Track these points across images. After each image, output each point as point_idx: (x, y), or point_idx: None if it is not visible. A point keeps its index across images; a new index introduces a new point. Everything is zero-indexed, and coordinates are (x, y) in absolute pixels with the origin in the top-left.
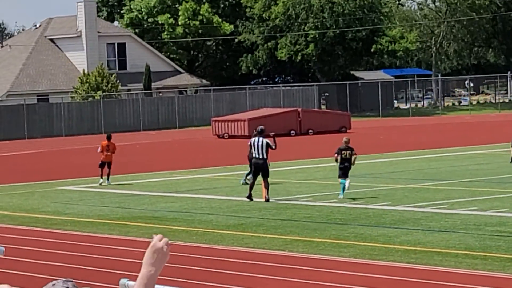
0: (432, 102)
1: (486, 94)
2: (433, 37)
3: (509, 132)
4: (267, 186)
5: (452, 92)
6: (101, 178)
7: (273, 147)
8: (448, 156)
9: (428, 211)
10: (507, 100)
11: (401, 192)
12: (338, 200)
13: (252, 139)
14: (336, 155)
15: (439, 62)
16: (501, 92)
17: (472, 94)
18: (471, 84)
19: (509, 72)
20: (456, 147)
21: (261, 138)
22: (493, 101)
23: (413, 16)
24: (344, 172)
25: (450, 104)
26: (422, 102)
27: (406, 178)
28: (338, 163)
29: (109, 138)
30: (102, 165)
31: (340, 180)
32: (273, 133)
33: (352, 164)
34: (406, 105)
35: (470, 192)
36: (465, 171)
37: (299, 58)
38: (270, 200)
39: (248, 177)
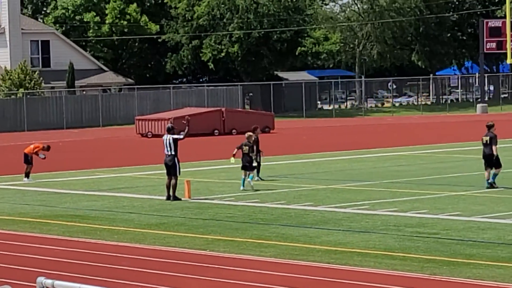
0: (355, 103)
1: (409, 96)
2: (357, 39)
3: (430, 134)
4: (174, 185)
5: (375, 93)
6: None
7: (181, 137)
8: (370, 157)
9: (349, 211)
10: (429, 103)
11: (323, 192)
12: (240, 190)
13: (163, 137)
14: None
15: (362, 64)
16: (424, 94)
17: (395, 96)
18: (394, 86)
19: (431, 75)
20: (378, 148)
21: (169, 135)
22: (416, 103)
23: (337, 17)
24: (244, 166)
25: (373, 105)
26: (345, 103)
27: (328, 179)
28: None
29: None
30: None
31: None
32: (187, 117)
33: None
34: (329, 106)
35: (391, 193)
36: (386, 172)
37: (223, 57)
38: (192, 200)
39: (256, 179)
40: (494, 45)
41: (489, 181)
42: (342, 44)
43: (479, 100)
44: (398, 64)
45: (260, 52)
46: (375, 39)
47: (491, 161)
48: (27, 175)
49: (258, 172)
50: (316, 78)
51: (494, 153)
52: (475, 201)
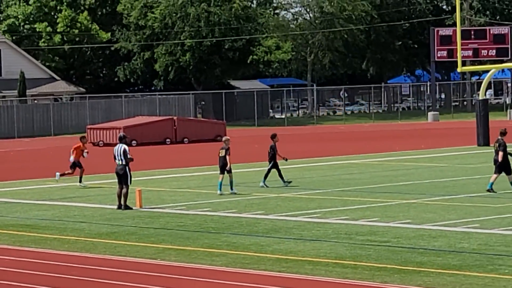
0: (307, 111)
1: (361, 104)
2: (308, 47)
3: (382, 142)
4: (125, 194)
5: (327, 102)
6: None
7: (128, 156)
8: (322, 166)
9: (301, 220)
10: (381, 111)
11: (274, 201)
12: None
13: (115, 147)
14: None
15: (314, 72)
16: (375, 102)
17: (347, 104)
18: (346, 94)
19: (383, 83)
20: (329, 156)
21: (121, 145)
22: (367, 111)
23: (288, 26)
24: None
25: (325, 113)
26: (297, 112)
27: (279, 187)
28: None
29: None
30: None
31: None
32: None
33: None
34: (281, 114)
35: (342, 202)
36: (337, 180)
37: (175, 66)
38: (143, 209)
39: (261, 184)
40: (445, 53)
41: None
42: (294, 53)
43: (431, 108)
44: (350, 72)
45: (212, 60)
46: (326, 47)
47: (502, 166)
48: (80, 180)
49: (265, 177)
50: (268, 87)
51: (499, 159)
52: (426, 209)
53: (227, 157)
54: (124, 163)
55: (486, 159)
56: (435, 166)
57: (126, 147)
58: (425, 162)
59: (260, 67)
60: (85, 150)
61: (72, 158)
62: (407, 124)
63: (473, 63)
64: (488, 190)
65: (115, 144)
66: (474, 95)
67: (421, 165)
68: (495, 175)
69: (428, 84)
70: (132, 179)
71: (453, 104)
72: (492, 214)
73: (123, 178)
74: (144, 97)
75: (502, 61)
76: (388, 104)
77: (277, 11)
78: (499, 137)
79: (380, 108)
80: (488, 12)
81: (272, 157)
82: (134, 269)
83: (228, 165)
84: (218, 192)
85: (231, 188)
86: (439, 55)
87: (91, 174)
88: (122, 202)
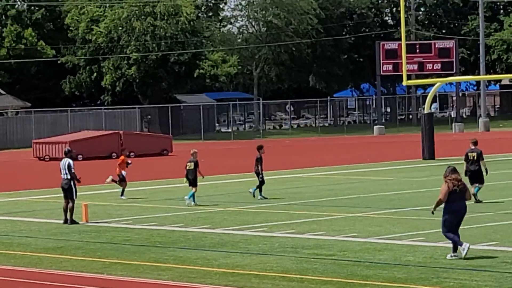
0: (254, 125)
1: (307, 118)
2: (254, 61)
3: (328, 155)
4: (71, 208)
5: (273, 115)
6: None
7: (72, 170)
8: (268, 179)
9: (247, 234)
10: (327, 124)
11: (221, 215)
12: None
13: (61, 161)
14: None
15: (260, 86)
16: (321, 116)
17: (293, 118)
18: (292, 108)
19: (328, 97)
20: (275, 170)
21: (66, 159)
22: (314, 125)
23: (235, 39)
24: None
25: (271, 127)
26: (243, 126)
27: (226, 201)
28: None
29: None
30: None
31: None
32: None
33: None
34: (228, 128)
35: (288, 215)
36: (284, 194)
37: (121, 80)
38: (89, 223)
39: (259, 197)
40: (390, 67)
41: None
42: (240, 67)
43: (376, 121)
44: (296, 86)
45: (158, 74)
46: (272, 61)
47: (478, 177)
48: (122, 193)
49: (260, 191)
50: (214, 101)
51: (483, 167)
52: (372, 223)
53: (198, 169)
54: (68, 177)
55: (431, 172)
56: (381, 180)
57: (71, 162)
58: (370, 176)
59: (207, 81)
60: (129, 161)
61: (124, 173)
62: (353, 137)
63: (418, 76)
64: (474, 195)
65: (61, 159)
66: (419, 109)
67: (367, 179)
68: (472, 186)
69: (374, 98)
70: (78, 193)
71: (399, 117)
72: (437, 227)
73: (68, 193)
74: (90, 111)
75: (447, 75)
76: (334, 117)
77: (223, 23)
78: (473, 147)
79: (326, 122)
80: (433, 26)
81: (260, 169)
82: (81, 284)
83: (193, 177)
84: (192, 203)
85: (189, 198)
86: (384, 68)
87: (37, 188)
88: (68, 217)
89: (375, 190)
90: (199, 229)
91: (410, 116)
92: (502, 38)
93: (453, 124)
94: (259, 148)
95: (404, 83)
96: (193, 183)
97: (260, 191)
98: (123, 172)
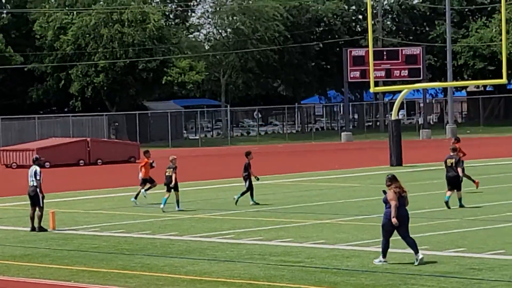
0: (221, 132)
1: (274, 124)
2: (222, 68)
3: (296, 162)
4: (39, 216)
5: (241, 122)
6: None
7: (38, 177)
8: (236, 186)
9: (215, 241)
10: (294, 131)
11: (188, 222)
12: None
13: (29, 169)
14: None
15: (228, 93)
16: (289, 123)
17: (261, 125)
18: (260, 115)
19: (296, 103)
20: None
21: (33, 166)
22: (281, 132)
23: (202, 46)
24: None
25: (239, 134)
26: (211, 133)
27: (193, 208)
28: None
29: None
30: None
31: None
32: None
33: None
34: (195, 135)
35: (256, 222)
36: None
37: (89, 87)
38: (57, 231)
39: (251, 202)
40: (358, 74)
41: (458, 204)
42: (207, 74)
43: (344, 128)
44: (264, 93)
45: (126, 81)
46: (239, 68)
47: (456, 183)
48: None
49: (252, 196)
50: (182, 108)
51: (460, 174)
52: (340, 229)
53: (174, 175)
54: (35, 184)
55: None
56: (349, 186)
57: (38, 169)
58: (338, 182)
59: (174, 88)
60: (152, 162)
61: (140, 175)
62: (321, 144)
63: (386, 83)
64: (446, 202)
65: (28, 166)
66: (387, 116)
67: (335, 185)
68: (450, 192)
69: (341, 105)
70: (45, 200)
71: (366, 124)
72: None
73: (35, 200)
74: (57, 119)
75: (414, 82)
76: (302, 124)
77: (190, 30)
78: (452, 153)
79: (294, 129)
80: (400, 33)
81: (248, 176)
82: None
83: (173, 182)
84: (161, 206)
85: (177, 206)
86: (352, 75)
87: (4, 196)
88: (36, 224)
89: (343, 197)
90: (167, 236)
91: (378, 123)
92: (469, 44)
93: (420, 131)
94: (247, 154)
95: (372, 90)
96: (175, 187)
97: (252, 196)
98: (140, 175)
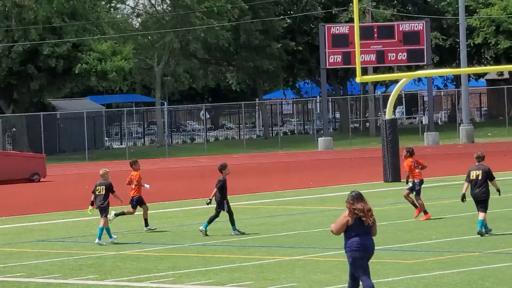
0: (156, 139)
1: (228, 128)
2: (156, 53)
3: (257, 179)
4: None
5: (183, 126)
6: None
7: None
8: (175, 212)
9: (148, 286)
10: (255, 136)
11: (112, 261)
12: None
13: None
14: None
15: (165, 86)
16: (248, 126)
17: (210, 129)
18: (208, 115)
19: (257, 99)
20: (185, 200)
21: None
22: (237, 138)
23: (129, 23)
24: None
25: (180, 141)
26: (143, 140)
27: (119, 243)
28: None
29: None
30: None
31: None
32: None
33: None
34: (121, 143)
35: (204, 260)
36: (197, 231)
37: None
38: None
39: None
40: (339, 58)
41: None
42: (137, 60)
43: (322, 132)
44: (213, 86)
45: (26, 72)
46: (180, 52)
47: (485, 202)
48: (146, 222)
49: (232, 223)
50: (102, 107)
51: (497, 187)
52: (317, 268)
53: (114, 194)
54: None
55: (395, 199)
56: (328, 210)
57: None
58: (315, 205)
59: (92, 79)
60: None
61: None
62: (291, 154)
63: (377, 70)
64: (480, 233)
65: None
66: (379, 114)
67: (310, 209)
68: (482, 213)
69: (318, 100)
70: None
71: (352, 126)
72: (404, 272)
73: None
74: None
75: (416, 68)
76: (265, 127)
77: (113, 2)
78: (478, 163)
79: (255, 133)
80: (396, 2)
81: (224, 197)
82: None
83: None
84: (97, 241)
85: (109, 236)
86: (331, 60)
87: None
88: None
89: (321, 224)
90: (83, 280)
91: (367, 124)
92: (490, 15)
93: (425, 134)
94: (222, 167)
95: (358, 79)
96: (103, 212)
97: (232, 223)
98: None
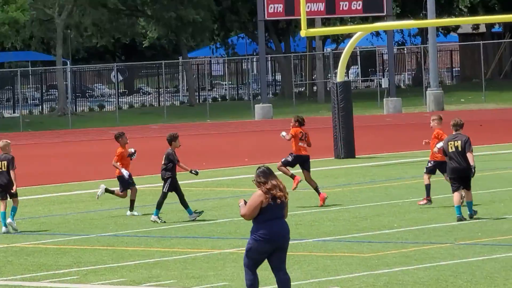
0: (58, 106)
1: (145, 92)
2: (56, 1)
3: (180, 154)
4: None
5: (89, 90)
6: None
7: None
8: (79, 195)
9: (46, 286)
10: (178, 103)
11: (3, 255)
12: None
13: None
14: None
15: (68, 42)
16: (169, 90)
17: (123, 94)
18: (121, 78)
19: (180, 58)
20: (89, 180)
21: None
22: (156, 105)
23: None
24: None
25: (87, 109)
26: (40, 107)
27: (12, 233)
28: None
29: None
30: None
31: None
32: None
33: None
34: (14, 111)
35: (115, 254)
36: (107, 218)
37: None
38: None
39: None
40: (280, 7)
41: (468, 212)
42: (34, 11)
43: (259, 98)
44: (127, 41)
45: None
46: (86, 1)
47: (466, 178)
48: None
49: (185, 204)
50: None
51: (472, 163)
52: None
53: (13, 172)
54: None
55: (349, 179)
56: None
57: None
58: (250, 187)
59: None
60: (133, 153)
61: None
62: (221, 124)
63: (326, 23)
64: (459, 217)
65: None
66: (329, 76)
67: (244, 191)
68: (458, 193)
69: (254, 59)
70: None
71: (296, 90)
72: (359, 268)
73: None
74: None
75: (373, 19)
76: (190, 92)
77: None
78: (456, 131)
79: (177, 100)
80: None
81: (170, 172)
82: None
83: (15, 187)
84: (4, 229)
85: (12, 218)
86: (270, 10)
87: None
88: None
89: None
90: None
91: (315, 88)
92: None
93: (384, 100)
94: (172, 138)
95: (303, 33)
96: (4, 194)
97: (186, 205)
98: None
